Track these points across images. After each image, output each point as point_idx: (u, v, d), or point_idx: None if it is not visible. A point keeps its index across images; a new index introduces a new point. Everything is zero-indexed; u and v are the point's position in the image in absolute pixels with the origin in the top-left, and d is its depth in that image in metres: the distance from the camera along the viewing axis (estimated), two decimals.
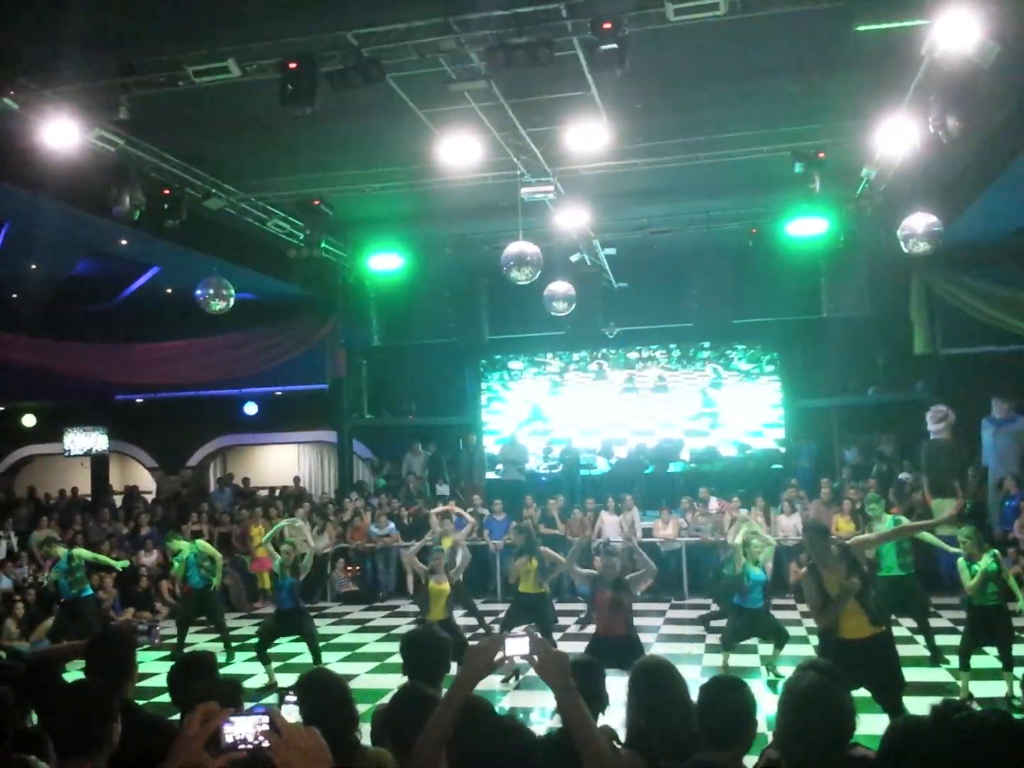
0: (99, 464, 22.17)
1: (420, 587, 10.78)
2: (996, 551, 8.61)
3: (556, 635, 10.43)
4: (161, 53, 8.45)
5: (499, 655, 3.00)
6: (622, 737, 3.75)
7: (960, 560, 8.64)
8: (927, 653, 10.26)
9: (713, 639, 11.23)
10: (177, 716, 3.72)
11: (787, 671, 6.13)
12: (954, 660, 9.12)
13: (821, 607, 6.62)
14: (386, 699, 4.10)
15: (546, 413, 19.72)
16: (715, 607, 12.00)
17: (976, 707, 4.16)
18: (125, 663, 4.07)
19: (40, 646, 11.03)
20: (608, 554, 9.22)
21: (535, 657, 2.95)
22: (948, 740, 2.77)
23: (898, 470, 16.33)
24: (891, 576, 10.12)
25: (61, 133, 8.87)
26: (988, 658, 10.26)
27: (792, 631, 11.81)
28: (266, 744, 2.12)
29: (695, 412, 19.17)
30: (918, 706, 3.72)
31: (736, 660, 10.02)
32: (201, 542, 12.76)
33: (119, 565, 13.12)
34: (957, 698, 7.70)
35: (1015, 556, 13.45)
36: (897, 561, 10.14)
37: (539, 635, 3.10)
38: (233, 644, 11.99)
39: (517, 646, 2.99)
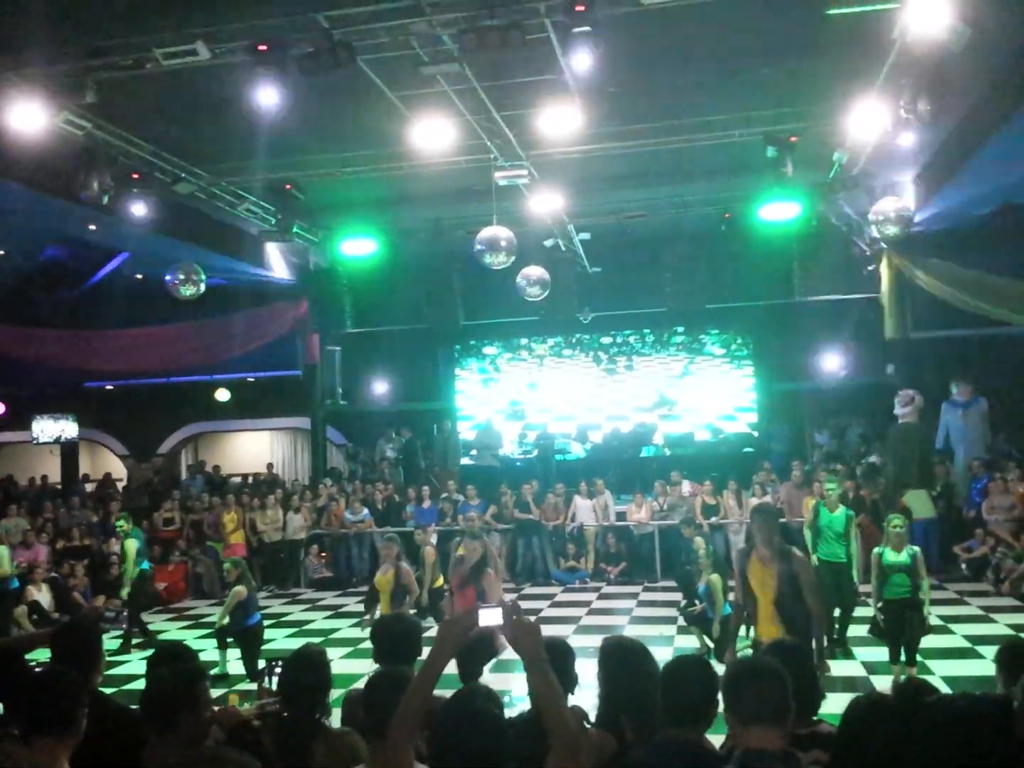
0: (69, 452, 21.98)
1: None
2: (917, 548, 8.69)
3: None
4: (129, 35, 8.32)
5: (473, 626, 3.02)
6: (592, 718, 3.77)
7: (876, 549, 8.63)
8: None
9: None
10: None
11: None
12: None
13: (740, 600, 6.49)
14: (358, 684, 4.11)
15: (522, 399, 19.73)
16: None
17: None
18: (91, 651, 4.03)
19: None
20: (472, 538, 9.32)
21: (508, 626, 2.97)
22: (917, 721, 2.81)
23: (868, 453, 16.50)
24: (830, 561, 9.85)
25: (27, 116, 8.71)
26: (956, 637, 10.42)
27: None
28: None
29: (652, 402, 19.22)
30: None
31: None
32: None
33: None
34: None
35: (983, 537, 13.64)
36: (837, 546, 9.89)
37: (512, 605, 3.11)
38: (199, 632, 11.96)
39: (490, 617, 3.01)
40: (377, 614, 9.62)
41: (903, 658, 8.20)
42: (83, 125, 9.62)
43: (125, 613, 12.46)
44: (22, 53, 8.46)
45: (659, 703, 3.24)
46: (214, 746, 3.50)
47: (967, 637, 10.31)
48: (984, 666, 9.05)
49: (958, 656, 9.59)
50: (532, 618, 3.14)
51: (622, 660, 3.71)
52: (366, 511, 16.21)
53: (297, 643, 10.79)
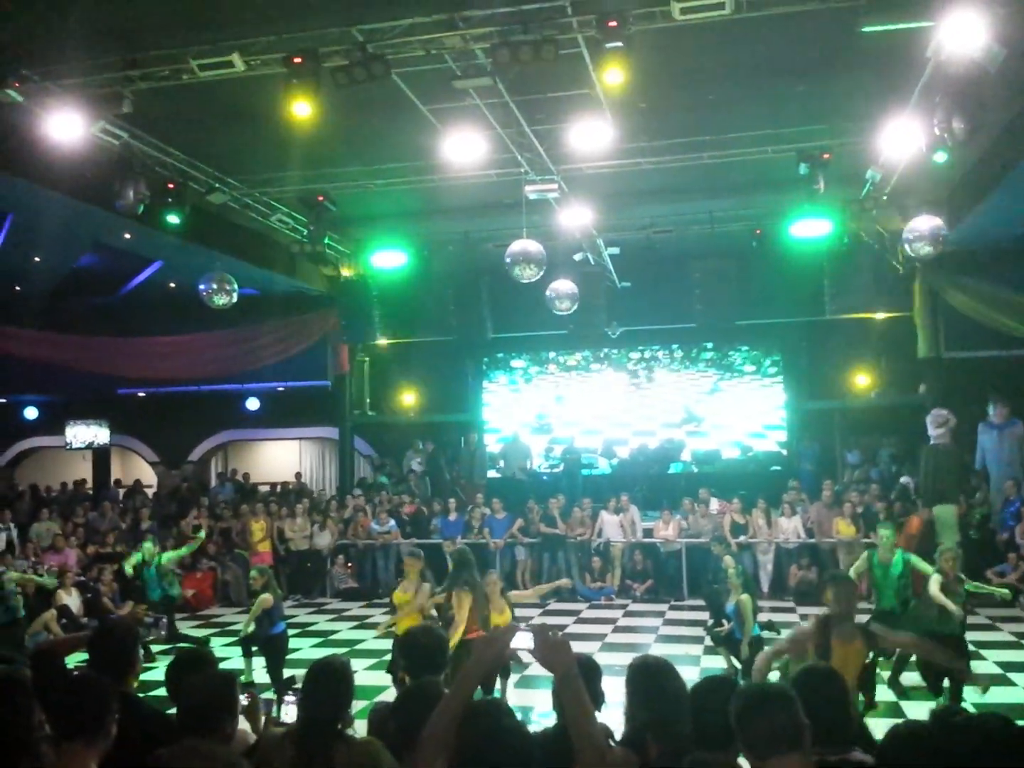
0: (100, 457, 22.21)
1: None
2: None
3: None
4: (165, 47, 8.45)
5: (508, 645, 3.01)
6: (618, 736, 3.74)
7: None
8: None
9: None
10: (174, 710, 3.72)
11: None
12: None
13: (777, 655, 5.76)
14: (382, 696, 4.10)
15: (548, 412, 19.71)
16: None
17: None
18: (126, 656, 4.06)
19: (38, 638, 11.02)
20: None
21: (539, 646, 2.95)
22: (948, 743, 2.75)
23: (899, 474, 16.32)
24: (883, 609, 9.47)
25: (65, 126, 8.86)
26: (987, 663, 10.25)
27: None
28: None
29: (680, 418, 19.14)
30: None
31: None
32: (167, 554, 12.88)
33: (49, 583, 12.79)
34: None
35: (1015, 561, 13.42)
36: (894, 597, 9.48)
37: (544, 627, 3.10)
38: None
39: (522, 638, 3.00)
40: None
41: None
42: (119, 135, 9.77)
43: (164, 620, 12.64)
44: (60, 64, 8.60)
45: (687, 724, 3.20)
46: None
47: (999, 663, 10.14)
48: (1016, 693, 8.92)
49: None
50: (559, 634, 3.12)
51: (649, 678, 3.67)
52: (392, 522, 16.23)
53: (322, 653, 10.85)
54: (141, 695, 4.70)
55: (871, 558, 9.65)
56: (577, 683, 2.91)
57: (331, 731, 3.64)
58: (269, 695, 8.51)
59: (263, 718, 4.28)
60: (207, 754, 3.32)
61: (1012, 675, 9.47)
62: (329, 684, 3.75)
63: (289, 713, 4.49)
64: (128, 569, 12.56)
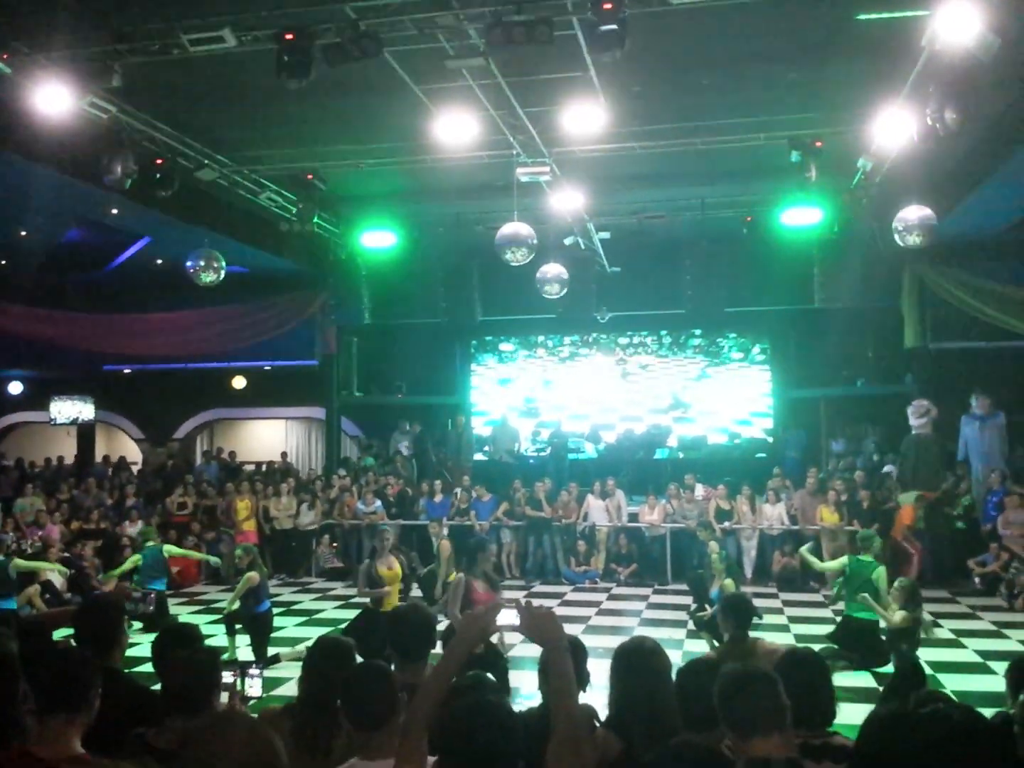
0: (85, 434, 22.11)
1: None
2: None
3: None
4: (156, 20, 8.35)
5: (492, 624, 3.01)
6: (603, 717, 3.76)
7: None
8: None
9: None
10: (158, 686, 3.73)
11: None
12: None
13: None
14: None
15: (536, 396, 19.72)
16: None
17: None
18: (111, 631, 4.07)
19: (24, 612, 10.99)
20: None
21: (524, 620, 2.95)
22: (914, 733, 2.76)
23: (883, 463, 16.41)
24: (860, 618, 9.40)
25: (53, 99, 8.73)
26: (967, 651, 10.37)
27: (773, 619, 11.92)
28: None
29: (667, 404, 19.18)
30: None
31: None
32: (168, 547, 12.77)
33: (61, 570, 12.74)
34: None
35: (996, 552, 13.54)
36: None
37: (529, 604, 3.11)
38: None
39: (507, 616, 3.00)
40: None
41: None
42: (108, 109, 9.65)
43: (152, 595, 12.59)
44: (49, 36, 8.48)
45: (673, 706, 3.22)
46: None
47: (978, 652, 10.23)
48: (995, 682, 8.98)
49: (969, 671, 9.52)
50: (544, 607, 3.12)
51: (634, 661, 3.69)
52: (378, 503, 16.23)
53: (307, 632, 10.91)
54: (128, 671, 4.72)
55: (851, 563, 9.74)
56: (564, 656, 2.91)
57: (334, 707, 3.65)
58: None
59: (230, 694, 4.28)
60: (235, 722, 3.34)
61: (991, 663, 9.55)
62: (333, 661, 3.77)
63: (254, 687, 4.49)
64: (128, 564, 12.40)
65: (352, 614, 12.45)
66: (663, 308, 17.48)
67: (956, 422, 15.33)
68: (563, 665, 2.91)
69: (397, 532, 9.51)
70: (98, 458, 21.89)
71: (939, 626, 10.37)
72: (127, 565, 12.43)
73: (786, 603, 13.11)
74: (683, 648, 10.35)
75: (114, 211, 13.71)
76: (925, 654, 9.13)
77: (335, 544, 16.39)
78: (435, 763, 2.80)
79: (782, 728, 2.83)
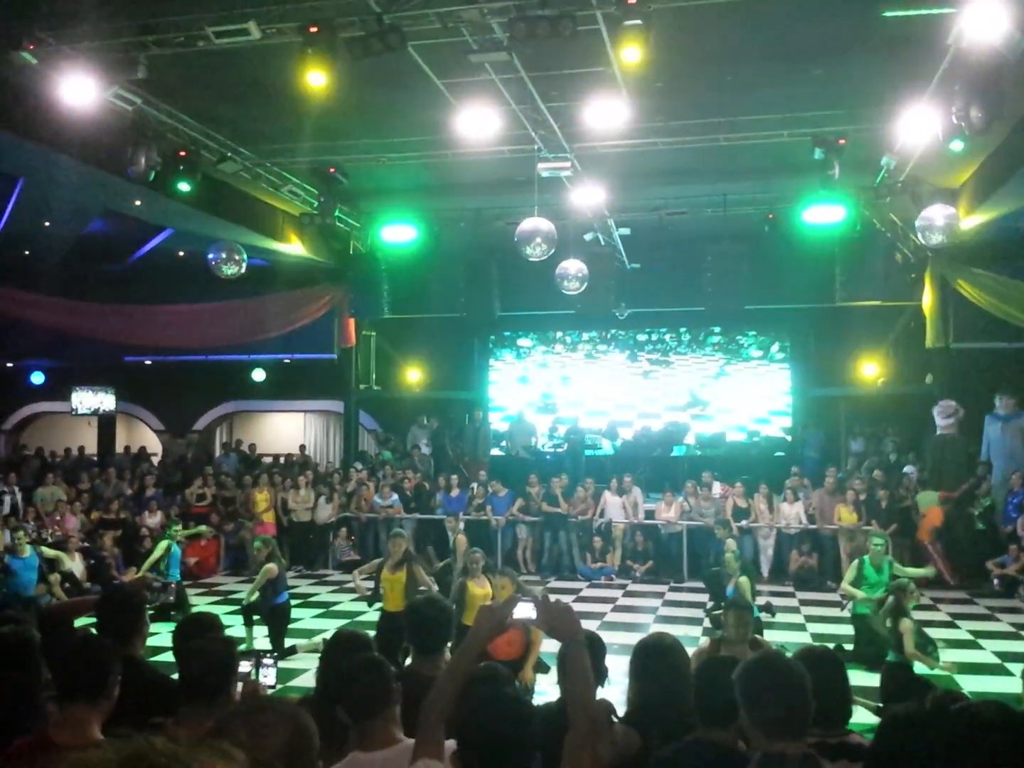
0: (106, 424, 22.27)
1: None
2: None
3: None
4: (182, 13, 8.40)
5: (510, 614, 3.01)
6: (621, 713, 3.76)
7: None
8: None
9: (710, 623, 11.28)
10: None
11: None
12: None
13: None
14: None
15: (554, 392, 19.71)
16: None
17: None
18: (132, 620, 4.10)
19: (42, 600, 11.09)
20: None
21: (542, 615, 2.96)
22: (946, 730, 2.76)
23: (902, 463, 16.32)
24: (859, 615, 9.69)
25: (79, 90, 8.80)
26: (985, 652, 10.31)
27: (789, 618, 11.89)
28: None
29: (685, 401, 19.13)
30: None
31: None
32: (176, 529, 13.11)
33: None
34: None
35: (1016, 553, 13.44)
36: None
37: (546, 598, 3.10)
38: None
39: (525, 609, 3.01)
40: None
41: None
42: (133, 100, 9.71)
43: (172, 586, 12.70)
44: (75, 27, 8.55)
45: (691, 703, 3.21)
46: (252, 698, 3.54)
47: (996, 653, 10.18)
48: (1013, 683, 8.93)
49: (987, 672, 9.46)
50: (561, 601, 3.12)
51: (654, 657, 3.69)
52: (395, 496, 16.28)
53: (324, 624, 10.95)
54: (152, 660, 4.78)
55: (862, 566, 9.83)
56: (582, 651, 2.92)
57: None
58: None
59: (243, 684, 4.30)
60: (275, 710, 3.35)
61: (1009, 665, 9.50)
62: (354, 654, 3.78)
63: (268, 676, 4.51)
64: (158, 552, 12.57)
65: (367, 606, 12.53)
66: (682, 305, 17.39)
67: (977, 423, 15.24)
68: (581, 659, 2.90)
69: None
70: (119, 449, 22.06)
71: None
72: (157, 552, 12.57)
73: (803, 602, 13.07)
74: (699, 646, 10.32)
75: (137, 203, 13.78)
76: (944, 656, 9.12)
77: (352, 537, 16.45)
78: (453, 753, 2.81)
79: (804, 731, 2.82)
